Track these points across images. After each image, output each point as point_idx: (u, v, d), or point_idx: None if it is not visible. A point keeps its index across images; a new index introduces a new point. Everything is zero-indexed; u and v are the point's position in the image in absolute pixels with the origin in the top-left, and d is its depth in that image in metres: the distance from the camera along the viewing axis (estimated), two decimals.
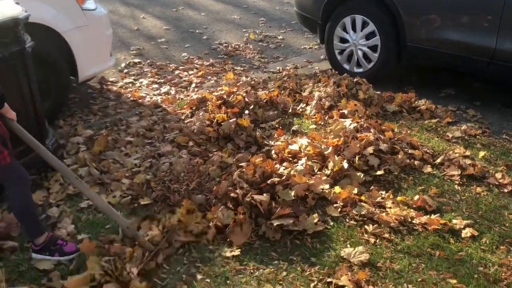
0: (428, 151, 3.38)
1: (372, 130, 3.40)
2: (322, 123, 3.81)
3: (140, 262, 2.18)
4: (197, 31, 6.65)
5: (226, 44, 6.16)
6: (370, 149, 3.16)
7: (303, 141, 3.30)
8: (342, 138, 3.24)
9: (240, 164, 3.00)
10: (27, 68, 2.71)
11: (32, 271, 2.16)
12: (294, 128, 3.71)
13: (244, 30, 6.75)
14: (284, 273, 2.21)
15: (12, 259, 2.24)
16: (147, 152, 3.25)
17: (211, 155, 3.19)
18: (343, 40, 4.80)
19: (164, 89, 4.75)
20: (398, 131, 3.61)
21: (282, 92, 4.35)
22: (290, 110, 4.03)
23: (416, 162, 3.20)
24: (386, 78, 4.67)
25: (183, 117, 3.87)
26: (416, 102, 4.20)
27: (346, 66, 4.84)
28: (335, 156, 3.07)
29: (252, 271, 2.23)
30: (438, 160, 3.25)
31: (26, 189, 2.14)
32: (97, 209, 2.68)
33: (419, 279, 2.19)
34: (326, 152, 3.11)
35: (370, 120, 3.61)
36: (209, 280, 2.15)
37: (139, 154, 3.25)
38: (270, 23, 7.13)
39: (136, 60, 5.45)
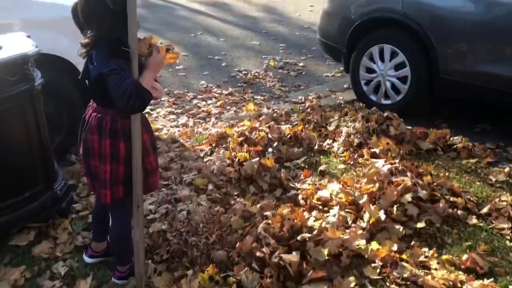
0: (471, 198, 3.05)
1: (408, 174, 3.10)
2: (352, 162, 3.52)
3: None
4: (216, 57, 6.48)
5: (246, 72, 5.94)
6: (408, 197, 2.86)
7: (334, 186, 3.00)
8: (377, 184, 2.95)
9: (265, 214, 2.72)
10: (36, 107, 2.51)
11: None
12: (321, 168, 3.43)
13: (263, 56, 6.53)
14: None
15: None
16: (163, 196, 2.99)
17: (232, 202, 2.92)
18: (370, 71, 4.53)
19: (182, 120, 4.53)
20: (435, 173, 3.30)
21: (307, 126, 4.08)
22: (316, 147, 3.76)
23: (459, 212, 2.88)
24: (414, 110, 4.38)
25: (202, 155, 3.62)
26: (451, 139, 3.89)
27: (373, 97, 4.55)
28: (371, 205, 2.77)
29: None
30: (484, 210, 2.93)
31: (129, 221, 2.23)
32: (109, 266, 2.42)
33: None
34: (361, 201, 2.81)
35: (406, 162, 3.31)
36: None
37: (155, 197, 2.99)
38: (290, 49, 6.90)
39: None
